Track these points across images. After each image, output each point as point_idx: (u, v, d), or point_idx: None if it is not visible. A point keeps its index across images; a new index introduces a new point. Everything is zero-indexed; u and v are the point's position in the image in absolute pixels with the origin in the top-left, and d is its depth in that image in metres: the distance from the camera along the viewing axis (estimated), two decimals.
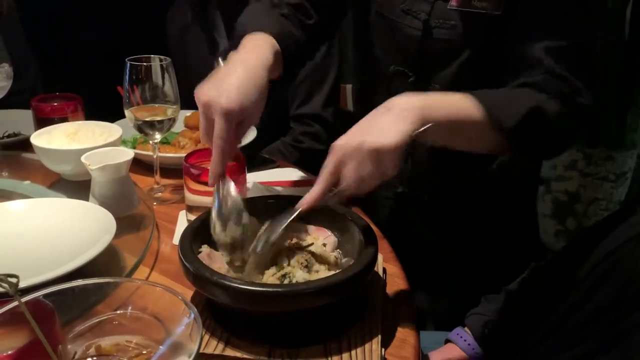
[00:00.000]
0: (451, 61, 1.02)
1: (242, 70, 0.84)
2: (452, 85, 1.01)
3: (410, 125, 0.76)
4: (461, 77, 1.02)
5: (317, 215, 0.83)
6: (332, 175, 0.76)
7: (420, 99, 0.80)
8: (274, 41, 0.94)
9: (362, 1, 1.13)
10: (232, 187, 0.81)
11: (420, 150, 1.10)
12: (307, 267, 0.77)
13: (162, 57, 1.06)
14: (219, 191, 0.81)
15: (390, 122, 0.76)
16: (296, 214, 0.77)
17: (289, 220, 0.77)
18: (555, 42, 0.90)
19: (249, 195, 0.96)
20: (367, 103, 1.20)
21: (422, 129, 0.77)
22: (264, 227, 0.80)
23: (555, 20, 0.91)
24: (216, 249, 0.80)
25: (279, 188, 1.11)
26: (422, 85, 1.06)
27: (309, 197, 0.77)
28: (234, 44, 0.97)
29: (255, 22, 1.00)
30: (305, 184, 1.15)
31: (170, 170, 1.19)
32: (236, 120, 0.81)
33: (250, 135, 1.31)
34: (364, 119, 0.80)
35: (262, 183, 1.12)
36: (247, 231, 0.79)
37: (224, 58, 0.90)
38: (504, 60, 0.95)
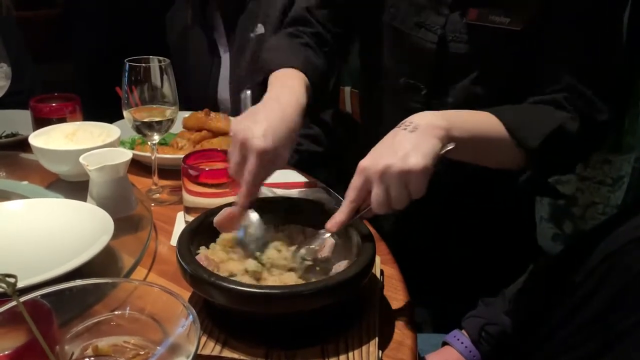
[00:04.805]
0: (465, 74, 1.01)
1: (278, 112, 0.85)
2: (466, 99, 1.02)
3: (436, 146, 0.76)
4: (475, 90, 1.01)
5: (314, 217, 0.83)
6: (359, 196, 0.76)
7: (444, 118, 0.80)
8: (303, 75, 0.95)
9: (373, 13, 1.13)
10: (255, 218, 0.82)
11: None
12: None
13: (160, 58, 1.06)
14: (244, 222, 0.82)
15: (416, 144, 0.75)
16: (326, 236, 0.78)
17: (320, 244, 0.79)
18: (578, 60, 0.92)
19: None
20: (374, 113, 1.21)
21: (448, 148, 0.77)
22: (292, 250, 0.80)
23: (579, 39, 0.92)
24: None
25: (278, 190, 1.11)
26: (434, 98, 1.05)
27: (338, 219, 0.77)
28: (260, 81, 0.99)
29: (279, 57, 1.00)
30: (304, 185, 1.15)
31: (168, 171, 1.19)
32: (268, 160, 0.82)
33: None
34: (387, 137, 0.79)
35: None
36: (266, 260, 0.79)
37: (255, 96, 0.92)
38: (519, 75, 0.95)
